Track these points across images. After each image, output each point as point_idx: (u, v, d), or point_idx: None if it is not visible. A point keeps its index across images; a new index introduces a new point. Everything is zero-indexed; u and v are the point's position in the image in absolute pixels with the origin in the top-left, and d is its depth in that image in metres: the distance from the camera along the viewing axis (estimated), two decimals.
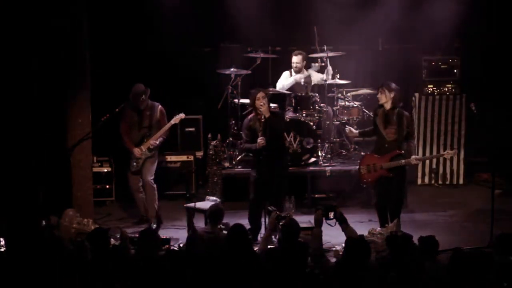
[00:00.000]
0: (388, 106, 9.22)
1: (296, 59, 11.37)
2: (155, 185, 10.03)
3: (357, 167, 9.59)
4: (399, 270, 6.59)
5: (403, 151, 9.19)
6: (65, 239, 8.39)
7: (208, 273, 6.66)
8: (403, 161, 9.13)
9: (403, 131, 9.19)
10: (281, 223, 8.08)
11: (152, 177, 10.02)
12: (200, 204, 9.58)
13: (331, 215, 7.71)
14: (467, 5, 11.54)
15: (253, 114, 9.55)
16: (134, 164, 9.95)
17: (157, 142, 9.95)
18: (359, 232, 7.88)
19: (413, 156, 9.16)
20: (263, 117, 9.25)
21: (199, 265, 6.72)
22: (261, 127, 9.28)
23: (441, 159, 11.87)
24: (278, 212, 8.19)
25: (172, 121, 9.98)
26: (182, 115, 10.05)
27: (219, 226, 8.24)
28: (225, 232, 8.05)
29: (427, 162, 11.93)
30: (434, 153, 11.83)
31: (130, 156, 9.99)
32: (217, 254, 7.09)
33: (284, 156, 9.66)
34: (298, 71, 11.36)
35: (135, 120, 9.96)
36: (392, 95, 9.19)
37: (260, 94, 9.38)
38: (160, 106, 10.03)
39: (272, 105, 10.11)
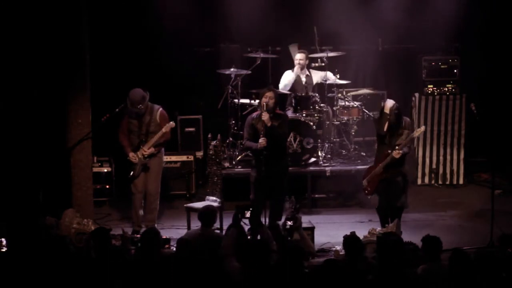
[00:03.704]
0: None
1: (300, 56, 11.35)
2: (159, 194, 9.82)
3: (357, 167, 9.61)
4: (380, 274, 6.61)
5: (389, 151, 9.14)
6: (69, 237, 8.45)
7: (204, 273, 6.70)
8: (388, 158, 9.11)
9: (403, 136, 9.18)
10: (289, 224, 8.18)
11: (159, 188, 9.75)
12: (200, 204, 9.59)
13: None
14: (467, 5, 11.55)
15: (257, 112, 9.53)
16: (132, 171, 9.65)
17: (149, 151, 9.56)
18: (359, 232, 7.91)
19: (394, 150, 9.10)
20: (263, 123, 9.27)
21: (192, 266, 6.76)
22: (263, 127, 9.29)
23: (441, 158, 11.87)
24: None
25: (164, 129, 9.56)
26: (172, 124, 9.64)
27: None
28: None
29: (427, 162, 11.90)
30: (435, 153, 11.84)
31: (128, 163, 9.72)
32: (210, 254, 7.15)
33: (284, 157, 9.66)
34: (302, 67, 11.34)
35: (135, 125, 9.64)
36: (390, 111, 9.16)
37: (268, 94, 9.34)
38: (160, 109, 9.66)
39: None
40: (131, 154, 9.60)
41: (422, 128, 9.57)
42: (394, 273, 6.54)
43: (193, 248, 7.26)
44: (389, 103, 9.19)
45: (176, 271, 6.76)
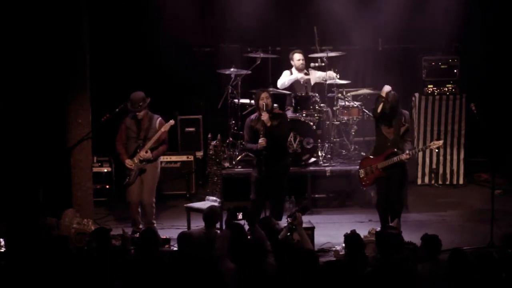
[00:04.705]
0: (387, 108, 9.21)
1: (300, 56, 11.34)
2: (154, 203, 9.77)
3: (357, 167, 9.60)
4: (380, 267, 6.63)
5: (396, 149, 9.16)
6: (69, 237, 8.46)
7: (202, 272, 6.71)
8: (395, 158, 9.12)
9: (400, 128, 9.18)
10: (289, 219, 8.18)
11: (154, 198, 9.69)
12: (200, 204, 9.60)
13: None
14: (467, 5, 11.56)
15: (256, 114, 9.56)
16: (127, 177, 9.58)
17: (146, 155, 9.50)
18: (359, 232, 7.90)
19: (405, 153, 9.12)
20: (263, 124, 9.29)
21: (192, 263, 6.77)
22: (262, 127, 9.30)
23: (441, 158, 11.89)
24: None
25: (163, 129, 9.56)
26: (171, 122, 9.66)
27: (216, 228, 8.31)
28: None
29: (427, 162, 11.93)
30: (435, 153, 11.83)
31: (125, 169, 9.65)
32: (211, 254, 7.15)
33: (285, 157, 9.67)
34: (303, 68, 11.34)
35: (133, 131, 9.61)
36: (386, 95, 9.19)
37: (264, 95, 9.42)
38: (160, 118, 9.65)
39: None
40: (128, 161, 9.57)
41: (441, 142, 9.50)
42: (393, 267, 6.54)
43: (195, 244, 7.28)
44: (386, 88, 9.23)
45: (176, 266, 6.76)
